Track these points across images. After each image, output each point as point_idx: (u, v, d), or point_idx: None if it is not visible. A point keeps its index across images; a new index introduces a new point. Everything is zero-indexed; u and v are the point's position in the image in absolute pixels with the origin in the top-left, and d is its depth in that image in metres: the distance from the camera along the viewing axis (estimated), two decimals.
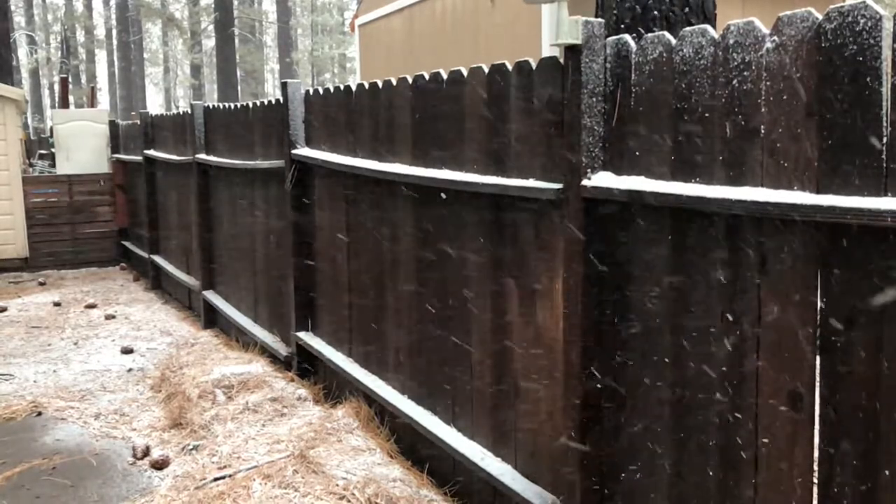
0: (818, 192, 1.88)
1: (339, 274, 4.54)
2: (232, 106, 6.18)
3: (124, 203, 10.05)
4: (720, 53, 2.11)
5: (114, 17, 38.48)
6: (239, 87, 28.64)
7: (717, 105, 2.13)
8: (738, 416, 2.14)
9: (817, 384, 1.93)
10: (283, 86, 4.89)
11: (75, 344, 6.46)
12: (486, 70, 3.08)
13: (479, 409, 3.31)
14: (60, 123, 10.43)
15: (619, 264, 2.51)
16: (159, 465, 4.00)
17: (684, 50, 2.22)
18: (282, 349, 5.20)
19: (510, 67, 2.94)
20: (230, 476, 3.67)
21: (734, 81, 2.07)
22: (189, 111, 6.91)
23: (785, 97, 1.95)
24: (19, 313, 7.53)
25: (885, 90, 1.73)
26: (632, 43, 2.42)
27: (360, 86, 4.16)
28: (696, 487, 2.29)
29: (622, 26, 3.60)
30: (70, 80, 19.05)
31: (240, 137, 5.94)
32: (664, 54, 2.29)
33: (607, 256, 2.53)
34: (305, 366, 4.96)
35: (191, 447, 4.15)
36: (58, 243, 9.86)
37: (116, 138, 10.27)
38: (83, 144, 10.32)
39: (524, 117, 2.89)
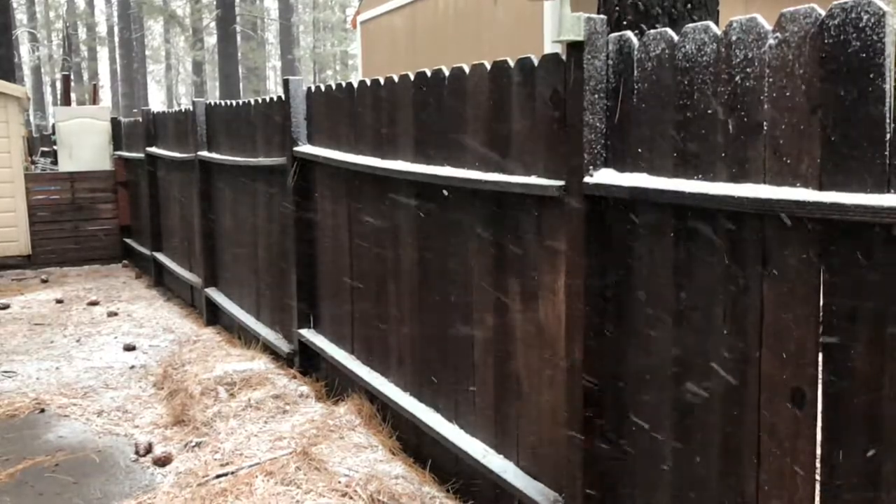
0: (821, 189, 1.87)
1: (342, 271, 4.54)
2: (234, 103, 6.18)
3: (126, 200, 10.05)
4: (723, 50, 2.11)
5: (115, 14, 38.51)
6: (241, 85, 28.63)
7: (720, 102, 2.13)
8: (741, 412, 2.13)
9: (819, 381, 1.93)
10: (285, 83, 4.89)
11: (78, 341, 6.47)
12: (488, 67, 3.07)
13: (481, 406, 3.31)
14: (62, 121, 10.44)
15: (621, 261, 2.51)
16: (162, 462, 4.01)
17: (687, 46, 2.22)
18: (284, 346, 5.21)
19: (512, 64, 2.94)
20: (233, 473, 3.67)
21: (737, 78, 2.07)
22: (191, 108, 6.91)
23: (788, 94, 1.94)
24: (22, 310, 7.55)
25: (889, 87, 1.73)
26: (634, 39, 2.42)
27: (362, 83, 4.15)
28: (700, 484, 2.29)
29: (624, 23, 3.59)
30: (72, 77, 19.08)
31: (242, 135, 5.94)
32: (666, 51, 2.28)
33: (610, 253, 2.53)
34: (308, 363, 4.97)
35: (193, 444, 4.16)
36: (60, 241, 9.87)
37: (118, 136, 10.27)
38: (85, 142, 10.33)
39: (526, 114, 2.88)
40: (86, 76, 37.77)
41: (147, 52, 40.54)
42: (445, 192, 3.42)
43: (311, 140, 4.83)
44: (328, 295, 4.76)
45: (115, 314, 7.33)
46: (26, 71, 38.41)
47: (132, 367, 5.74)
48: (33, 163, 11.13)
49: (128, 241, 10.00)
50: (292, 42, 35.51)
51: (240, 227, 6.14)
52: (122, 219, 10.10)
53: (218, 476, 3.67)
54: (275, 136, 5.26)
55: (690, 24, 2.23)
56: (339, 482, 3.38)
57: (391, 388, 3.97)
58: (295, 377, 4.88)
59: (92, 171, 10.09)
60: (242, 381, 4.76)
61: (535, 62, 2.81)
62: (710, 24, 2.18)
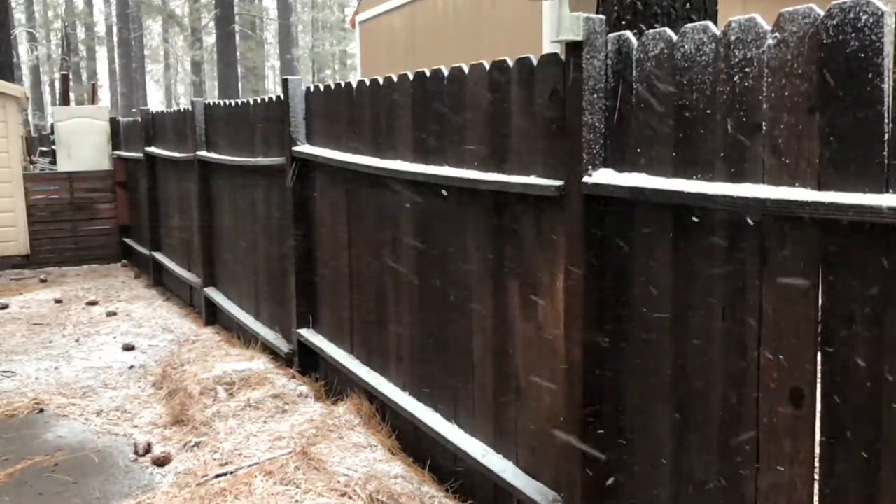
0: (819, 188, 1.87)
1: (341, 271, 4.54)
2: (233, 103, 6.18)
3: (125, 200, 10.05)
4: (722, 50, 2.11)
5: (114, 13, 38.48)
6: (240, 84, 28.62)
7: (719, 102, 2.13)
8: (740, 412, 2.14)
9: (818, 381, 1.93)
10: (284, 82, 4.89)
11: (77, 341, 6.47)
12: (487, 67, 3.07)
13: (481, 405, 3.32)
14: (61, 120, 10.43)
15: (620, 261, 2.51)
16: (161, 462, 4.01)
17: (685, 46, 2.22)
18: (283, 346, 5.21)
19: (511, 64, 2.94)
20: (232, 473, 3.68)
21: (735, 78, 2.07)
22: (190, 108, 6.91)
23: (786, 94, 1.95)
24: (21, 310, 7.54)
25: (887, 87, 1.73)
26: (633, 39, 2.42)
27: (361, 82, 4.15)
28: (698, 483, 2.29)
29: (623, 23, 3.60)
30: (71, 76, 19.08)
31: (241, 134, 5.94)
32: (665, 51, 2.28)
33: (608, 253, 2.53)
34: (307, 363, 4.97)
35: (192, 444, 4.16)
36: (59, 240, 9.86)
37: (117, 135, 10.26)
38: (84, 141, 10.32)
39: (525, 114, 2.88)
40: (84, 76, 37.77)
41: (146, 52, 40.52)
42: (444, 192, 3.42)
43: (309, 140, 4.83)
44: (327, 294, 4.76)
45: (114, 314, 7.32)
46: (25, 70, 38.39)
47: (131, 366, 5.74)
48: (32, 162, 11.12)
49: (127, 240, 10.00)
50: (291, 42, 35.49)
51: (239, 227, 6.14)
52: (121, 218, 10.10)
53: (217, 476, 3.67)
54: (273, 136, 5.26)
55: (689, 24, 2.23)
56: (339, 482, 3.38)
57: (390, 387, 3.98)
58: (294, 377, 4.88)
59: (91, 171, 10.08)
60: (241, 381, 4.76)
61: (535, 62, 2.81)
62: (709, 24, 2.18)
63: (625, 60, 2.44)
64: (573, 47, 2.48)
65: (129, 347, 6.18)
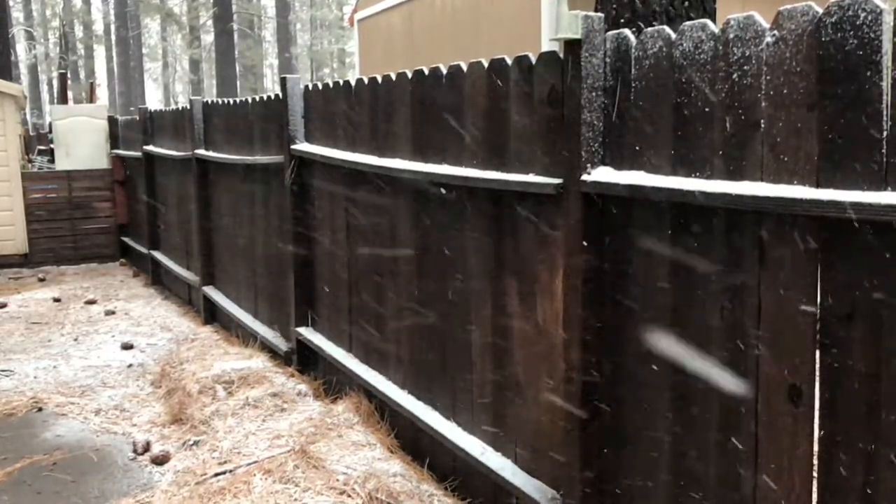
0: (818, 186, 1.87)
1: (339, 270, 4.54)
2: (231, 101, 6.17)
3: (124, 199, 10.04)
4: (720, 48, 2.11)
5: (112, 12, 38.41)
6: (238, 83, 28.58)
7: (717, 100, 2.13)
8: (739, 410, 2.14)
9: (817, 379, 1.93)
10: (283, 81, 4.88)
11: (75, 340, 6.47)
12: (486, 65, 3.07)
13: (480, 404, 3.32)
14: (59, 119, 10.42)
15: (618, 259, 2.51)
16: (160, 461, 4.01)
17: (684, 44, 2.22)
18: (282, 345, 5.20)
19: (510, 62, 2.94)
20: (231, 471, 3.68)
21: (734, 76, 2.07)
22: (188, 106, 6.91)
23: (785, 91, 1.95)
24: (19, 309, 7.53)
25: (886, 84, 1.73)
26: (632, 37, 2.42)
27: (360, 81, 4.15)
28: (697, 481, 2.29)
29: (622, 21, 3.60)
30: (69, 75, 19.05)
31: (239, 133, 5.94)
32: (664, 49, 2.28)
33: (607, 251, 2.53)
34: (306, 361, 4.97)
35: (191, 443, 4.15)
36: (57, 239, 9.85)
37: (116, 134, 10.25)
38: (82, 140, 10.31)
39: (524, 112, 2.88)
40: (83, 74, 37.72)
41: (144, 51, 40.46)
42: (443, 190, 3.42)
43: (308, 138, 4.83)
44: (326, 293, 4.76)
45: (113, 313, 7.32)
46: (23, 69, 38.35)
47: (130, 365, 5.74)
48: (30, 161, 11.11)
49: (125, 239, 9.99)
50: (289, 40, 35.42)
51: (237, 226, 6.13)
52: (120, 217, 10.09)
53: (216, 474, 3.67)
54: (272, 135, 5.26)
55: (688, 22, 2.23)
56: (338, 480, 3.38)
57: (389, 385, 3.98)
58: (293, 375, 4.88)
59: (89, 170, 10.07)
60: (240, 380, 4.76)
61: (533, 60, 2.81)
62: (708, 22, 2.18)
63: (623, 58, 2.43)
64: (572, 45, 2.48)
65: (127, 346, 6.18)
